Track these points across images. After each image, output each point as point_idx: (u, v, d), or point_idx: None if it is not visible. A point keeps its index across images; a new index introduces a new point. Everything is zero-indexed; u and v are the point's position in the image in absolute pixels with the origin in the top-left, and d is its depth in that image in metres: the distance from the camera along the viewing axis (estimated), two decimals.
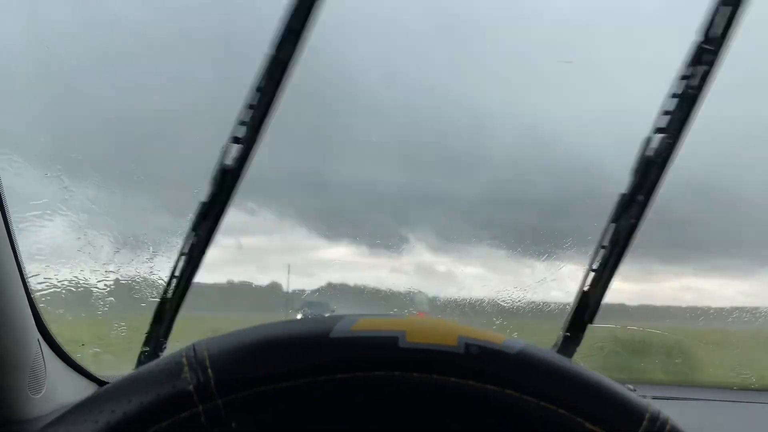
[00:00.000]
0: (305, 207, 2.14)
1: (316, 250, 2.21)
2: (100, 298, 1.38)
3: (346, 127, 2.18)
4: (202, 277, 1.97)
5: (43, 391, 0.90)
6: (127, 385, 0.42)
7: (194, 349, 0.43)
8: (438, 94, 2.07)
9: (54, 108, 1.46)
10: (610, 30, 2.24)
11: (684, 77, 1.12)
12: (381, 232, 2.21)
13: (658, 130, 1.14)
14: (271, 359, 0.43)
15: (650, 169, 1.13)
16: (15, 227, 0.89)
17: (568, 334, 1.21)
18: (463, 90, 2.09)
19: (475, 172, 2.31)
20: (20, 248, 0.91)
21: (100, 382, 1.15)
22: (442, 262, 2.60)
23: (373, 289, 2.41)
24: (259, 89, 1.13)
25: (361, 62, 2.02)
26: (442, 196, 2.47)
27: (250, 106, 1.13)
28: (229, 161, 1.14)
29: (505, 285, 2.10)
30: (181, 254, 1.19)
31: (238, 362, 0.42)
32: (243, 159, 1.14)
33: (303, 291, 2.83)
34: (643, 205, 1.14)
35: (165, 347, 1.20)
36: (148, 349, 1.19)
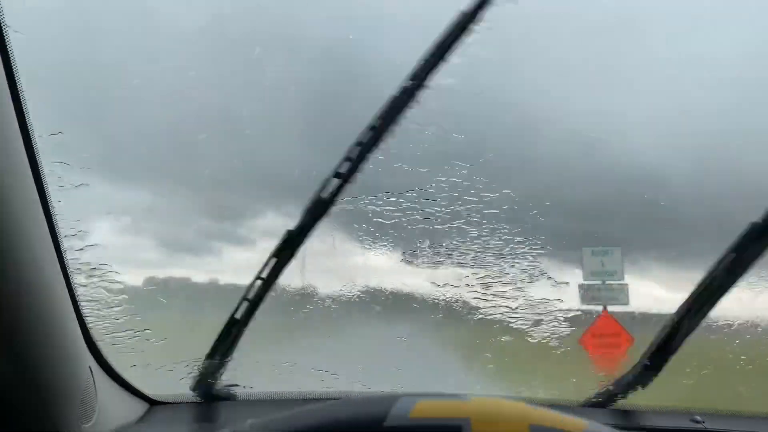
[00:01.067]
0: (343, 211, 2.06)
1: (353, 255, 2.14)
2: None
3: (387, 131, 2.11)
4: (234, 278, 1.93)
5: (94, 419, 0.85)
6: None
7: None
8: (480, 97, 1.99)
9: (103, 114, 1.43)
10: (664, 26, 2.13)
11: None
12: (420, 237, 2.13)
13: None
14: None
15: None
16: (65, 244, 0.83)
17: (648, 362, 1.10)
18: (507, 92, 2.00)
19: (516, 176, 2.23)
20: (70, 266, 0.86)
21: (151, 402, 1.12)
22: (479, 269, 2.50)
23: (409, 294, 2.35)
24: (372, 128, 1.13)
25: (398, 63, 1.95)
26: (482, 202, 2.38)
27: (359, 143, 1.13)
28: (325, 194, 1.15)
29: (544, 293, 2.03)
30: (257, 278, 1.18)
31: None
32: (337, 193, 1.15)
33: (340, 294, 2.77)
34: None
35: (225, 368, 1.17)
36: (206, 365, 1.15)
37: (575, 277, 2.38)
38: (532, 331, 1.80)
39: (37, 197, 0.72)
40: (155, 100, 1.54)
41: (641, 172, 2.21)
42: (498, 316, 1.95)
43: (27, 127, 0.70)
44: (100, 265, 1.19)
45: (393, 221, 2.24)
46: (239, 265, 1.83)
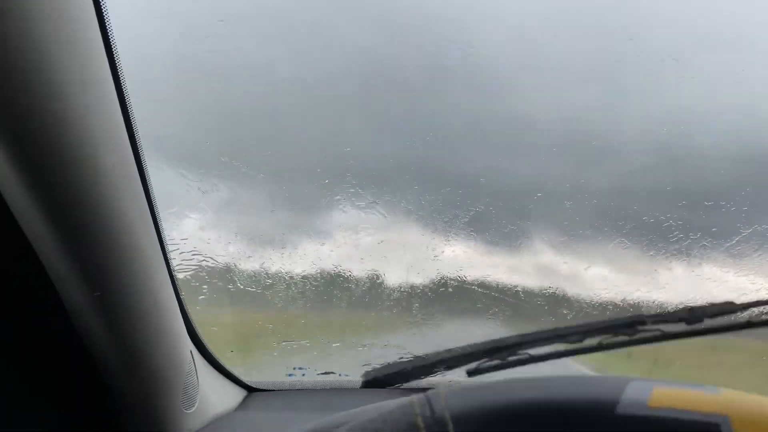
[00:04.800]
0: (419, 201, 2.05)
1: (430, 246, 2.11)
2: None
3: (465, 115, 2.06)
4: (310, 270, 1.94)
5: (196, 405, 0.88)
6: None
7: (430, 405, 0.33)
8: (570, 75, 1.88)
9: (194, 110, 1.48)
10: None
11: None
12: (499, 228, 2.07)
13: None
14: None
15: None
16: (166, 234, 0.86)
17: None
18: (599, 69, 1.88)
19: (606, 161, 2.10)
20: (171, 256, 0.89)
21: (249, 389, 1.13)
22: (564, 261, 2.40)
23: (491, 285, 2.27)
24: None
25: (484, 43, 1.88)
26: (568, 190, 2.27)
27: None
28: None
29: (636, 286, 1.91)
30: None
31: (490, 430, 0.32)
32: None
33: (415, 287, 2.74)
34: None
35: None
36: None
37: None
38: None
39: (143, 191, 0.74)
40: (232, 92, 1.57)
41: None
42: None
43: (132, 125, 0.71)
44: (193, 255, 1.24)
45: None
46: (315, 256, 1.85)
